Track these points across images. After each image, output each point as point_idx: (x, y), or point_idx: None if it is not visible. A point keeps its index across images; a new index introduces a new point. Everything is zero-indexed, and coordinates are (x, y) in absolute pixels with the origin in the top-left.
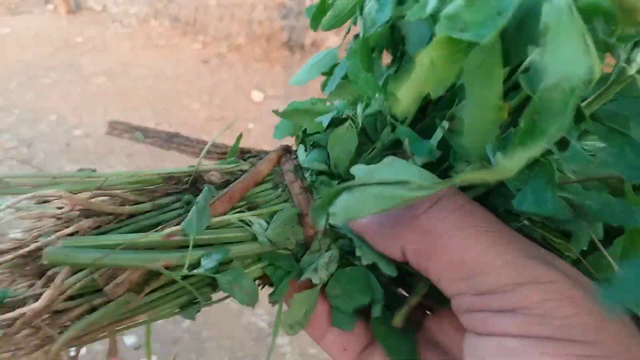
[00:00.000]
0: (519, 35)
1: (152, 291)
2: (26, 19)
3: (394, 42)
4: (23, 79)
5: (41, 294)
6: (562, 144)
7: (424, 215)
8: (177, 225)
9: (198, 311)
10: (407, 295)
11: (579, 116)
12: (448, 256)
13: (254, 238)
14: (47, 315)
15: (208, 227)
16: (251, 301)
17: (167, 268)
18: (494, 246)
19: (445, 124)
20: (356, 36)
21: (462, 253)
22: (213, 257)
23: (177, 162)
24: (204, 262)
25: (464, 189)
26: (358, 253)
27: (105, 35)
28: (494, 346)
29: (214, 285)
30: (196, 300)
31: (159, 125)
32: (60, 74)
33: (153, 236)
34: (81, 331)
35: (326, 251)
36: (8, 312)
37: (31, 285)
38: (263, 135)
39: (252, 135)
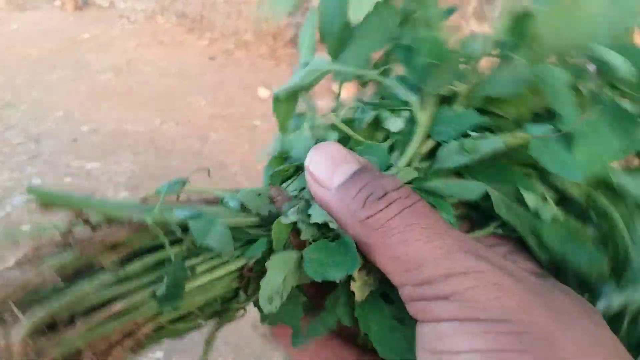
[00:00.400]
0: None
1: (128, 280)
2: (34, 15)
3: None
4: (30, 75)
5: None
6: None
7: (376, 216)
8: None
9: (180, 296)
10: None
11: None
12: (392, 251)
13: (226, 205)
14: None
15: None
16: (225, 246)
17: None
18: (431, 242)
19: None
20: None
21: (404, 249)
22: (186, 209)
23: (184, 161)
24: (177, 212)
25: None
26: (310, 211)
27: (112, 32)
28: (432, 330)
29: (190, 252)
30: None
31: (164, 123)
32: (67, 71)
33: (130, 201)
34: (46, 319)
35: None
36: None
37: None
38: (269, 132)
39: (258, 132)
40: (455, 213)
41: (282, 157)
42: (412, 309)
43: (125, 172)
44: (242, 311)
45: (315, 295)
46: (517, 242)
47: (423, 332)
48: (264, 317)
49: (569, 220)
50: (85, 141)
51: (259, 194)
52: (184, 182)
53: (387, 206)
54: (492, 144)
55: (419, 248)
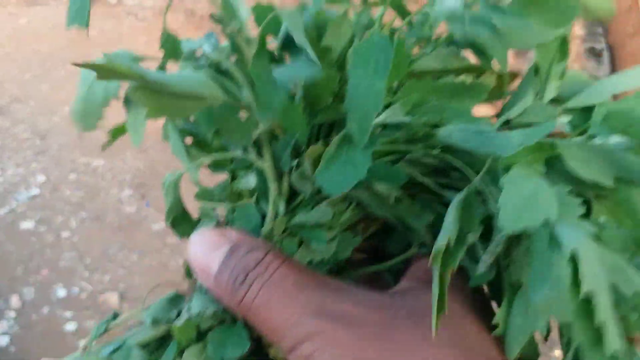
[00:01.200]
0: None
1: None
2: (43, 10)
3: None
4: (38, 70)
5: None
6: None
7: (244, 298)
8: None
9: None
10: None
11: None
12: (265, 326)
13: (140, 324)
14: None
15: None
16: None
17: None
18: (286, 310)
19: None
20: None
21: (270, 323)
22: (113, 344)
23: None
24: (104, 351)
25: None
26: (191, 302)
27: (121, 29)
28: None
29: None
30: None
31: None
32: (76, 67)
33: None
34: None
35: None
36: None
37: None
38: None
39: None
40: (372, 230)
41: None
42: None
43: (131, 169)
44: None
45: None
46: None
47: None
48: None
49: (404, 194)
50: (93, 138)
51: (170, 299)
52: (115, 316)
53: (250, 287)
54: (306, 166)
55: (278, 319)
